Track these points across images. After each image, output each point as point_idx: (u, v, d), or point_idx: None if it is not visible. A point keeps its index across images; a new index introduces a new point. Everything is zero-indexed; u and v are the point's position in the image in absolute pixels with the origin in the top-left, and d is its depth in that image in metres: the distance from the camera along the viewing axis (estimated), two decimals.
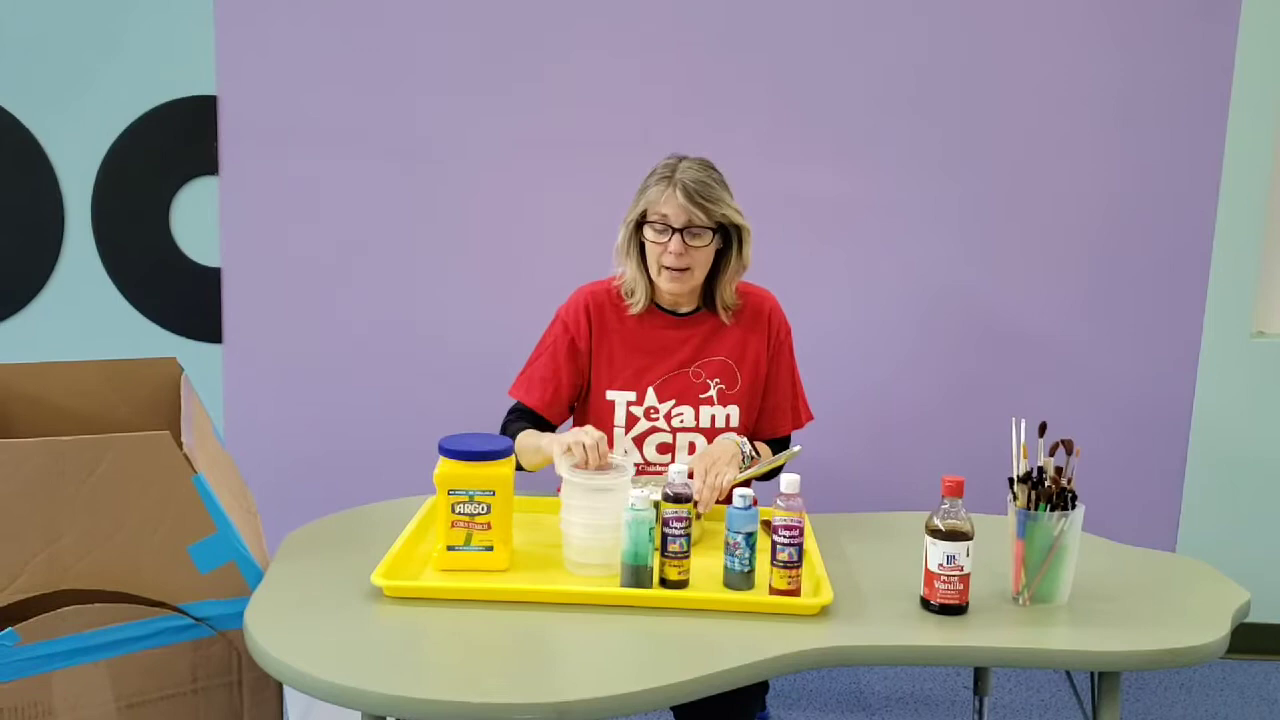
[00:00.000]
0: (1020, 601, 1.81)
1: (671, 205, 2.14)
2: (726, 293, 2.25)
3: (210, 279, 3.01)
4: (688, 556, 1.79)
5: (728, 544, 1.79)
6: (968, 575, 1.75)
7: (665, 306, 2.27)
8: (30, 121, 2.93)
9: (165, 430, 1.79)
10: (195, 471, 1.78)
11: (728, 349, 2.26)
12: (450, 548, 1.84)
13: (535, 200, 2.97)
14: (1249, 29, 2.86)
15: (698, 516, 1.97)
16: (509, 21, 2.90)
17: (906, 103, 2.93)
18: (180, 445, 1.79)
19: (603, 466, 1.92)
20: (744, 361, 2.27)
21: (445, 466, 1.83)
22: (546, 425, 2.26)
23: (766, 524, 1.83)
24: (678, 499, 1.78)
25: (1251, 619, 2.02)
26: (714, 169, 2.21)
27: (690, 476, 2.04)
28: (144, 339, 3.01)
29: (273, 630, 1.66)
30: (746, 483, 2.15)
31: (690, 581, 1.79)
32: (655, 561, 1.79)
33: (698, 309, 2.28)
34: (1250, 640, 3.03)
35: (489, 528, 1.84)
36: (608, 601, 1.75)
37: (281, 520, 2.19)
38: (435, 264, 3.01)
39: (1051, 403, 2.95)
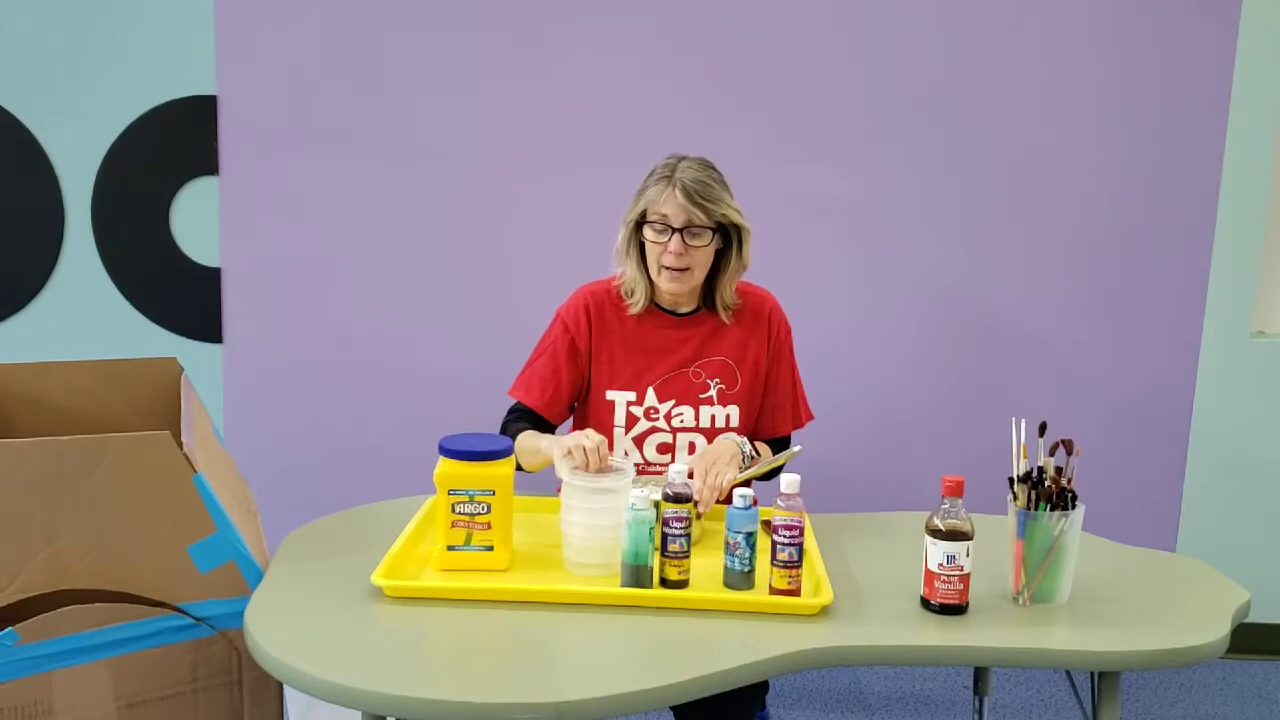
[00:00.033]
0: (1020, 601, 1.81)
1: (671, 205, 2.14)
2: (726, 293, 2.25)
3: (210, 279, 3.01)
4: (688, 556, 1.79)
5: (728, 544, 1.79)
6: (968, 575, 1.75)
7: (665, 306, 2.27)
8: (30, 121, 2.93)
9: (165, 430, 1.79)
10: (195, 471, 1.78)
11: (728, 349, 2.26)
12: (450, 548, 1.84)
13: (535, 200, 2.97)
14: (1249, 29, 2.86)
15: (698, 516, 1.97)
16: (509, 21, 2.90)
17: (907, 102, 2.93)
18: (180, 445, 1.78)
19: (603, 470, 1.92)
20: (744, 361, 2.27)
21: (445, 466, 1.83)
22: (546, 425, 2.26)
23: (766, 524, 1.84)
24: (678, 499, 1.78)
25: (1251, 619, 2.02)
26: (714, 169, 2.21)
27: (690, 476, 2.04)
28: (144, 339, 3.01)
29: (273, 630, 1.66)
30: (746, 483, 2.15)
31: (690, 581, 1.79)
32: (655, 561, 1.79)
33: (698, 309, 2.28)
34: (1250, 640, 3.03)
35: (489, 527, 1.84)
36: (608, 601, 1.75)
37: (281, 520, 2.19)
38: (434, 264, 3.01)
39: (1051, 403, 2.95)
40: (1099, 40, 2.89)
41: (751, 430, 2.28)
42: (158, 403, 2.19)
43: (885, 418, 3.05)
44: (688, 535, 1.78)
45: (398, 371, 3.05)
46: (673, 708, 1.90)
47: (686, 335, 2.26)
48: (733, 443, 2.15)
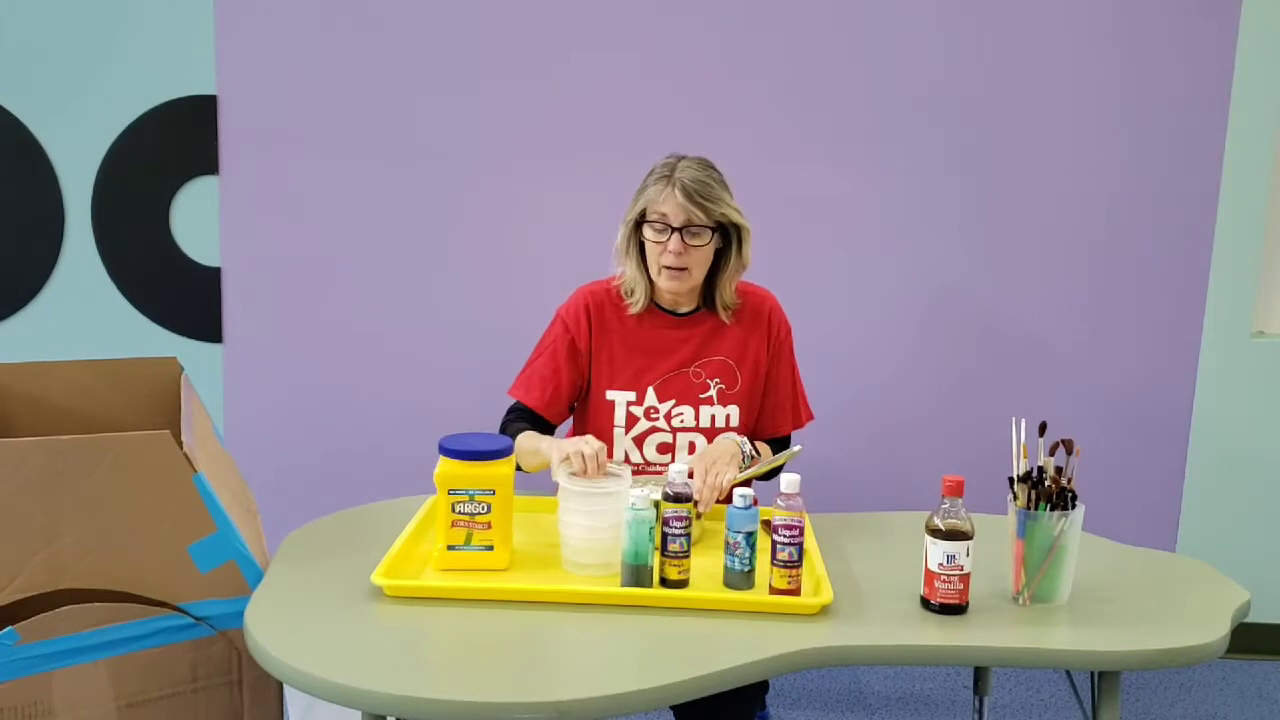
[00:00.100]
0: (1020, 601, 1.81)
1: (670, 204, 2.14)
2: (726, 292, 2.25)
3: (210, 279, 3.01)
4: (688, 556, 1.79)
5: (728, 543, 1.79)
6: (968, 575, 1.75)
7: (665, 306, 2.27)
8: (30, 121, 2.93)
9: (165, 430, 1.79)
10: (195, 471, 1.78)
11: (728, 349, 2.26)
12: (450, 547, 1.84)
13: (535, 200, 2.97)
14: (1249, 29, 2.86)
15: (698, 516, 1.97)
16: (509, 21, 2.90)
17: (907, 102, 2.93)
18: (180, 445, 1.79)
19: (600, 477, 1.92)
20: (744, 361, 2.27)
21: (445, 466, 1.83)
22: (546, 425, 2.26)
23: (766, 524, 1.84)
24: (678, 498, 1.78)
25: (1251, 619, 2.02)
26: (713, 168, 2.21)
27: (690, 476, 2.04)
28: (144, 339, 3.01)
29: (273, 630, 1.66)
30: (746, 482, 2.15)
31: (690, 581, 1.79)
32: (655, 561, 1.79)
33: (697, 309, 2.28)
34: (1250, 640, 3.03)
35: (489, 527, 1.84)
36: (608, 601, 1.75)
37: (281, 520, 2.19)
38: (434, 263, 3.01)
39: (1051, 403, 2.95)
40: (1099, 40, 2.89)
41: (751, 430, 2.28)
42: (158, 403, 2.19)
43: (885, 418, 3.05)
44: (688, 535, 1.78)
45: (398, 371, 3.05)
46: (673, 707, 1.90)
47: (686, 335, 2.26)
48: (733, 442, 2.15)
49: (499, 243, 3.00)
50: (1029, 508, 1.79)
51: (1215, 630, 1.74)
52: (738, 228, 2.20)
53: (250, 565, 1.83)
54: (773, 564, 1.76)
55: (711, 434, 2.23)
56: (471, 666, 1.62)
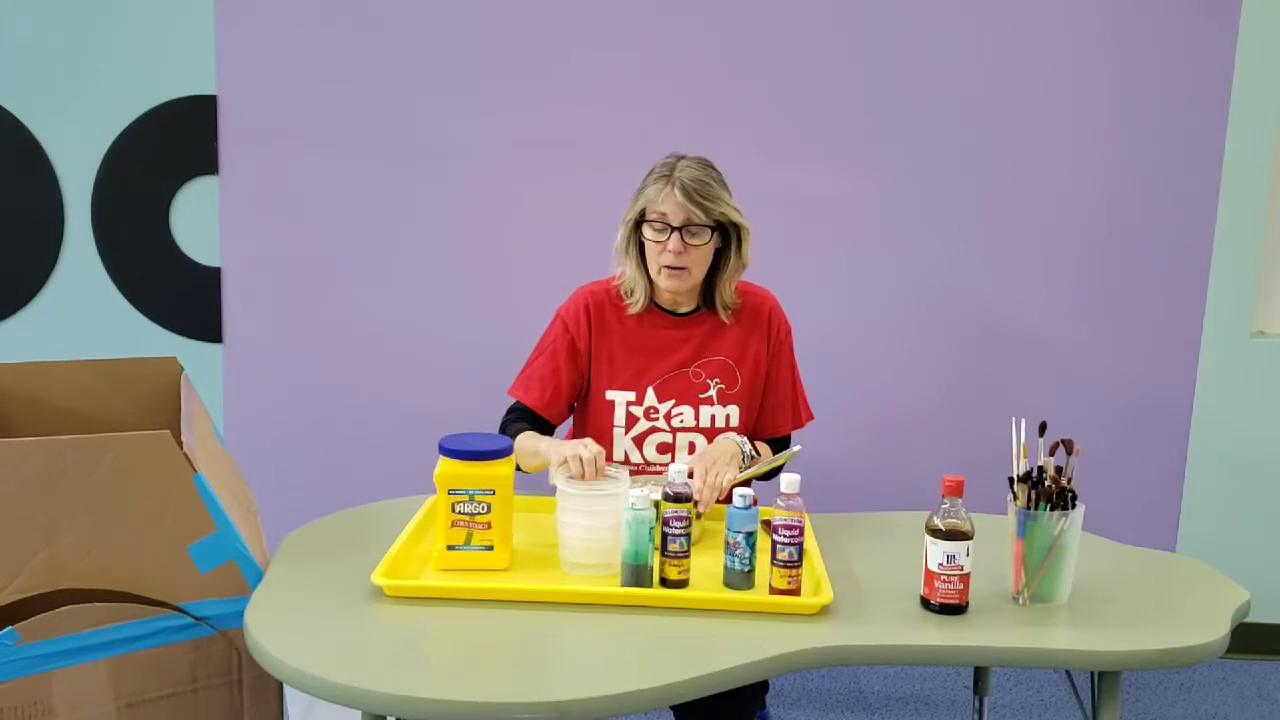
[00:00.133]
0: (1020, 601, 1.81)
1: (670, 204, 2.14)
2: (726, 292, 2.25)
3: (210, 279, 3.01)
4: (688, 556, 1.79)
5: (728, 543, 1.79)
6: (968, 575, 1.75)
7: (665, 306, 2.27)
8: (30, 121, 2.93)
9: (165, 430, 1.79)
10: (195, 471, 1.78)
11: (728, 349, 2.26)
12: (450, 547, 1.84)
13: (535, 200, 2.97)
14: (1249, 29, 2.86)
15: (698, 516, 1.97)
16: (509, 21, 2.90)
17: (907, 102, 2.93)
18: (180, 445, 1.79)
19: (599, 480, 1.92)
20: (744, 361, 2.27)
21: (445, 466, 1.83)
22: (546, 425, 2.26)
23: (766, 524, 1.84)
24: (678, 498, 1.78)
25: (1251, 619, 2.02)
26: (713, 168, 2.21)
27: (690, 476, 2.04)
28: (144, 339, 3.01)
29: (273, 630, 1.66)
30: (746, 482, 2.15)
31: (690, 581, 1.79)
32: (655, 561, 1.79)
33: (697, 308, 2.28)
34: (1250, 640, 3.03)
35: (489, 527, 1.84)
36: (608, 601, 1.75)
37: (281, 520, 2.19)
38: (434, 264, 3.01)
39: (1051, 403, 2.95)
40: (1099, 40, 2.89)
41: (751, 430, 2.28)
42: (158, 403, 2.19)
43: (885, 418, 3.05)
44: (688, 535, 1.78)
45: (398, 371, 3.05)
46: (673, 707, 1.90)
47: (686, 335, 2.26)
48: (733, 442, 2.15)
49: (499, 243, 3.00)
50: (1029, 508, 1.79)
51: (1215, 630, 1.74)
52: (737, 227, 2.20)
53: (250, 565, 1.83)
54: (773, 564, 1.76)
55: (711, 434, 2.23)
56: (471, 666, 1.62)
